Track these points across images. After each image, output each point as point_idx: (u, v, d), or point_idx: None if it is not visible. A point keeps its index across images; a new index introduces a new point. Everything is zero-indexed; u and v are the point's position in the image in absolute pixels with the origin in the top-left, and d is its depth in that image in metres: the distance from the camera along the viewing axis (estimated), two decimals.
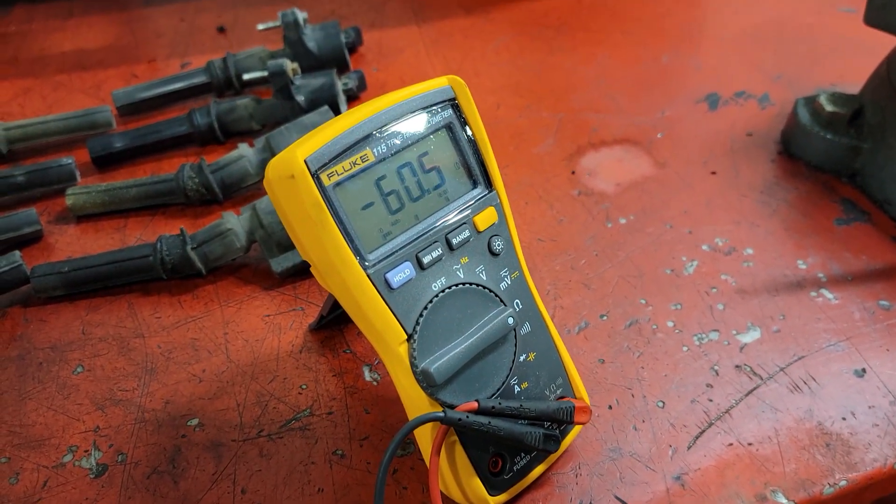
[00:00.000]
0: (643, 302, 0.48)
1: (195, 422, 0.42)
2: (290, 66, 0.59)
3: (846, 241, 0.51)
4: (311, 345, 0.46)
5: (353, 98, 0.66)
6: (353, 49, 0.73)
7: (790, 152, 0.59)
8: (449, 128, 0.35)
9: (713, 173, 0.58)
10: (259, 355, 0.46)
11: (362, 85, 0.66)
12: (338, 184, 0.32)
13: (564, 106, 0.66)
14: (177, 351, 0.46)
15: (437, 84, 0.35)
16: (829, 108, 0.56)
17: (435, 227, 0.34)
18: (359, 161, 0.33)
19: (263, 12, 0.81)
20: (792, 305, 0.47)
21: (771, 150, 0.60)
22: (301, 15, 0.65)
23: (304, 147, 0.31)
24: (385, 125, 0.33)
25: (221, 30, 0.78)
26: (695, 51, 0.72)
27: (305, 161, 0.31)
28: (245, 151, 0.55)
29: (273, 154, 0.55)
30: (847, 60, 0.69)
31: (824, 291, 0.48)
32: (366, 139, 0.33)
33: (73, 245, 0.54)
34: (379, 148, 0.33)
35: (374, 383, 0.44)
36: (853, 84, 0.63)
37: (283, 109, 0.60)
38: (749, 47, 0.72)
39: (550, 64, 0.71)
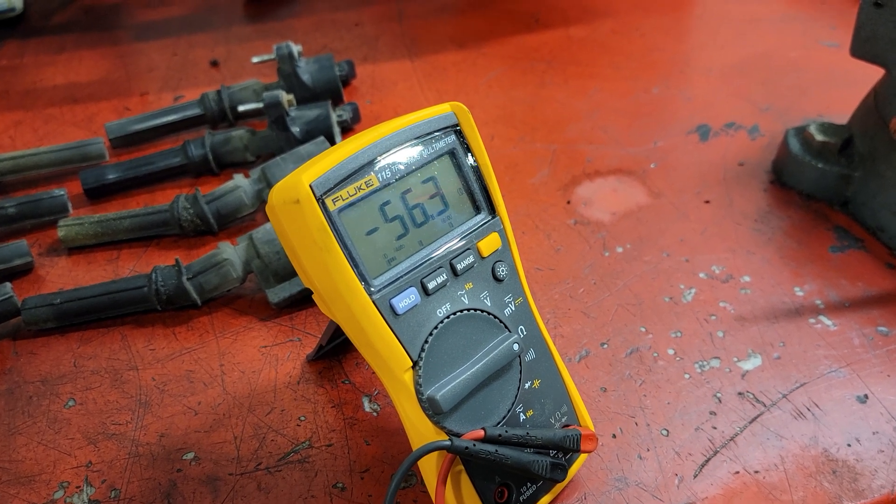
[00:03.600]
0: (643, 330, 0.48)
1: (191, 455, 0.41)
2: (285, 97, 0.59)
3: (842, 268, 0.52)
4: (309, 376, 0.45)
5: (348, 130, 0.66)
6: (346, 82, 0.74)
7: (782, 181, 0.60)
8: (452, 154, 0.35)
9: (707, 202, 0.58)
10: (256, 387, 0.45)
11: (356, 117, 0.66)
12: (342, 209, 0.32)
13: (558, 137, 0.66)
14: (171, 383, 0.45)
15: (441, 110, 0.35)
16: (819, 137, 0.57)
17: (439, 253, 0.34)
18: (363, 186, 0.33)
19: (256, 47, 0.81)
20: (791, 332, 0.47)
21: (763, 179, 0.60)
22: (295, 48, 0.66)
23: (309, 172, 0.31)
24: (389, 151, 0.33)
25: (214, 63, 0.79)
26: (684, 83, 0.73)
27: (311, 186, 0.31)
28: (240, 182, 0.55)
29: (269, 185, 0.55)
30: (832, 92, 0.70)
31: (823, 318, 0.48)
32: (370, 164, 0.33)
33: (64, 277, 0.53)
34: (383, 173, 0.33)
35: (375, 414, 0.43)
36: (838, 115, 0.64)
37: (278, 141, 0.60)
38: (737, 80, 0.73)
39: (543, 97, 0.72)
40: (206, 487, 0.39)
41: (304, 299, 0.49)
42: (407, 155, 0.34)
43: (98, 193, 0.60)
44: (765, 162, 0.62)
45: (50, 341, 0.48)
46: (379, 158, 0.33)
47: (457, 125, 0.36)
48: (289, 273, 0.49)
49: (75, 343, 0.48)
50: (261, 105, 0.63)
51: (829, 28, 0.82)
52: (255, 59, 0.68)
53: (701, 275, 0.51)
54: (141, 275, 0.49)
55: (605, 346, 0.47)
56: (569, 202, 0.58)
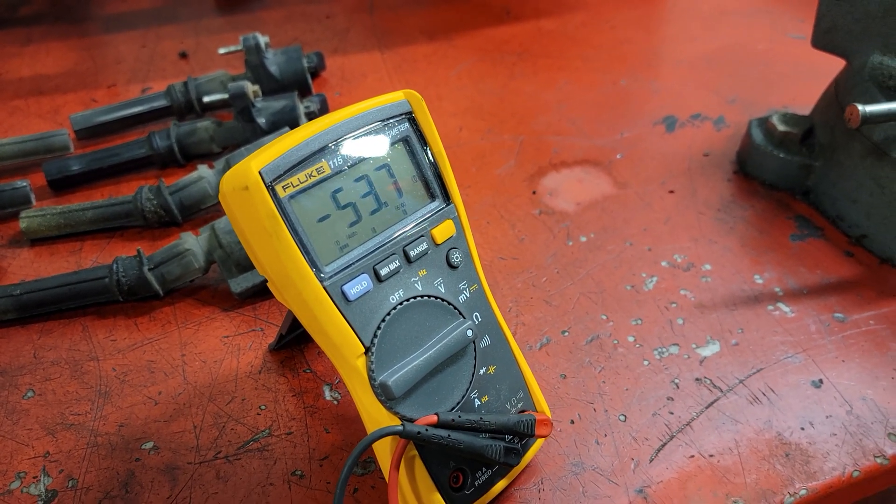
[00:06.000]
0: (604, 318, 0.48)
1: (150, 445, 0.41)
2: (251, 88, 0.59)
3: (801, 257, 0.52)
4: (271, 365, 0.45)
5: None
6: (315, 74, 0.74)
7: (745, 171, 0.60)
8: (406, 141, 0.35)
9: (671, 192, 0.58)
10: (217, 377, 0.45)
11: (324, 108, 0.66)
12: (293, 196, 0.32)
13: (525, 129, 0.66)
14: (132, 373, 0.45)
15: (394, 98, 0.35)
16: (781, 127, 0.58)
17: (392, 240, 0.34)
18: (314, 173, 0.33)
19: (225, 38, 0.81)
20: (750, 319, 0.48)
21: (727, 169, 0.61)
22: (262, 39, 0.65)
23: (258, 159, 0.31)
24: (341, 137, 0.33)
25: (183, 55, 0.78)
26: (652, 75, 0.74)
27: (260, 172, 0.31)
28: (204, 173, 0.55)
29: None
30: (798, 84, 0.71)
31: (781, 305, 0.49)
32: (321, 151, 0.33)
33: (26, 268, 0.53)
34: (335, 160, 0.33)
35: (335, 402, 0.43)
36: (804, 106, 0.65)
37: (243, 132, 0.60)
38: (704, 72, 0.74)
39: (511, 88, 0.72)
40: (165, 476, 0.39)
41: (266, 289, 0.49)
42: (359, 142, 0.34)
43: (62, 185, 0.59)
44: (729, 152, 0.63)
45: (10, 332, 0.48)
46: (331, 145, 0.33)
47: (410, 112, 0.36)
48: (251, 263, 0.49)
49: (35, 334, 0.48)
50: (227, 96, 0.63)
51: (797, 20, 0.83)
52: (221, 51, 0.68)
53: (663, 263, 0.52)
54: (102, 266, 0.49)
55: (566, 333, 0.47)
56: (534, 192, 0.59)
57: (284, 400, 0.43)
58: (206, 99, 0.63)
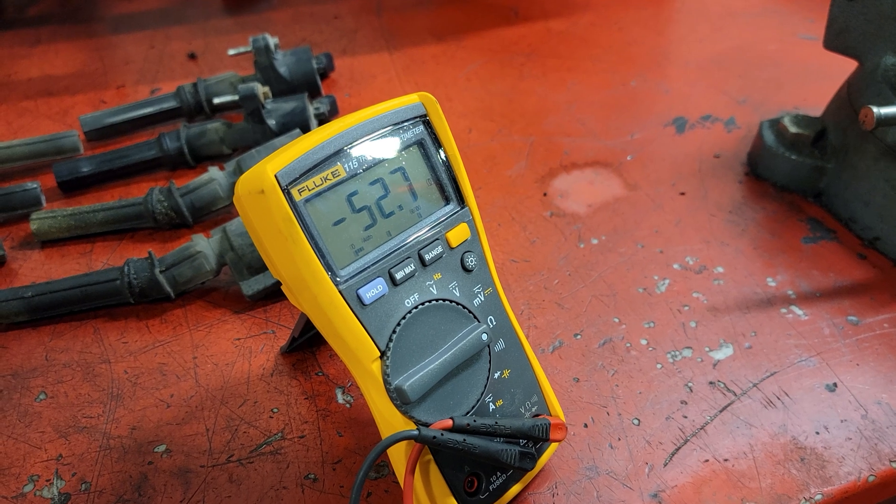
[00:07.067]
0: (616, 320, 0.48)
1: (162, 448, 0.41)
2: (261, 89, 0.59)
3: (814, 259, 0.52)
4: (283, 368, 0.45)
5: (325, 123, 0.66)
6: (325, 75, 0.74)
7: (757, 173, 0.60)
8: (420, 144, 0.35)
9: (682, 194, 0.58)
10: (229, 379, 0.45)
11: (334, 110, 0.66)
12: (308, 199, 0.32)
13: (536, 130, 0.66)
14: (144, 376, 0.45)
15: (409, 101, 0.35)
16: (793, 129, 0.57)
17: (407, 243, 0.34)
18: (330, 176, 0.32)
19: (235, 39, 0.81)
20: (763, 322, 0.47)
21: (738, 171, 0.61)
22: (272, 40, 0.65)
23: (274, 162, 0.31)
24: (356, 141, 0.33)
25: (192, 56, 0.78)
26: (662, 76, 0.73)
27: (276, 176, 0.31)
28: (215, 174, 0.55)
29: None
30: (808, 85, 0.71)
31: (794, 308, 0.48)
32: (337, 155, 0.33)
33: (37, 270, 0.53)
34: (350, 164, 0.33)
35: (348, 406, 0.43)
36: (815, 107, 0.65)
37: (254, 133, 0.60)
38: (714, 73, 0.74)
39: (521, 89, 0.72)
40: (178, 480, 0.39)
41: (278, 291, 0.49)
42: (374, 145, 0.34)
43: (72, 186, 0.59)
44: (740, 154, 0.62)
45: (21, 335, 0.48)
46: (346, 148, 0.33)
47: (425, 115, 0.36)
48: (263, 265, 0.49)
49: (47, 336, 0.48)
50: (237, 97, 0.63)
51: (808, 21, 0.82)
52: (231, 52, 0.68)
53: (675, 266, 0.52)
54: (113, 268, 0.49)
55: (579, 336, 0.47)
56: (545, 194, 0.59)
57: (297, 403, 0.43)
58: (215, 100, 0.63)
